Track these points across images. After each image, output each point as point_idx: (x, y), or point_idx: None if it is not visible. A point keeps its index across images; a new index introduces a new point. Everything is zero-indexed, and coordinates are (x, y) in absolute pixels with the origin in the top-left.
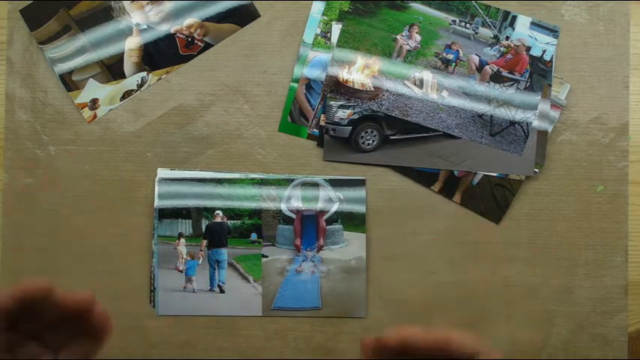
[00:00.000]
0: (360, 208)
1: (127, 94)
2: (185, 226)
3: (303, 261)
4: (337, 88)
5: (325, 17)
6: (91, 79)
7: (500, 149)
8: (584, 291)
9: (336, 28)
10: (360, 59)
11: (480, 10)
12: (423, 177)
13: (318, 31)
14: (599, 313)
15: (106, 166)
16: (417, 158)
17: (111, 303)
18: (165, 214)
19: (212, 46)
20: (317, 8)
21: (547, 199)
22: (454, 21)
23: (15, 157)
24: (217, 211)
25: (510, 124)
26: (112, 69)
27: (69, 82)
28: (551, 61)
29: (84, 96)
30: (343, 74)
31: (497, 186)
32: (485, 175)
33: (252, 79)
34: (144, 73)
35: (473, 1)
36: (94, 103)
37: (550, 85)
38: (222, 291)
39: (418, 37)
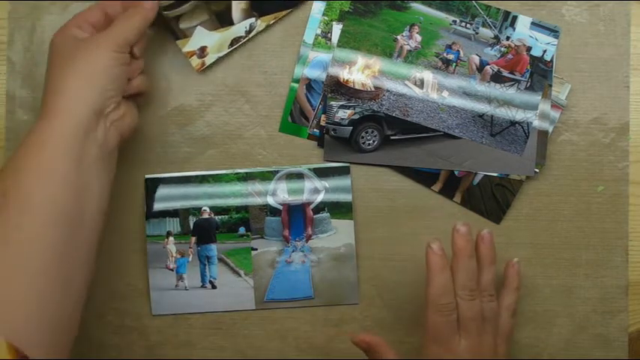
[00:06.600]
0: (346, 196)
1: (235, 41)
2: (173, 225)
3: (293, 251)
4: (338, 88)
5: (326, 17)
6: (199, 26)
7: (500, 149)
8: (584, 291)
9: (337, 29)
10: (361, 59)
11: (481, 11)
12: (424, 177)
13: (319, 31)
14: (599, 313)
15: None
16: (418, 158)
17: (110, 303)
18: (152, 214)
19: None
20: (317, 8)
21: (547, 199)
22: (455, 21)
23: None
24: (204, 207)
25: (511, 124)
26: (220, 16)
27: (176, 31)
28: (551, 61)
29: (192, 44)
30: (344, 74)
31: (498, 186)
32: (485, 175)
33: (252, 80)
34: (252, 20)
35: (473, 2)
36: (202, 51)
37: (550, 86)
38: (214, 287)
39: (419, 38)
